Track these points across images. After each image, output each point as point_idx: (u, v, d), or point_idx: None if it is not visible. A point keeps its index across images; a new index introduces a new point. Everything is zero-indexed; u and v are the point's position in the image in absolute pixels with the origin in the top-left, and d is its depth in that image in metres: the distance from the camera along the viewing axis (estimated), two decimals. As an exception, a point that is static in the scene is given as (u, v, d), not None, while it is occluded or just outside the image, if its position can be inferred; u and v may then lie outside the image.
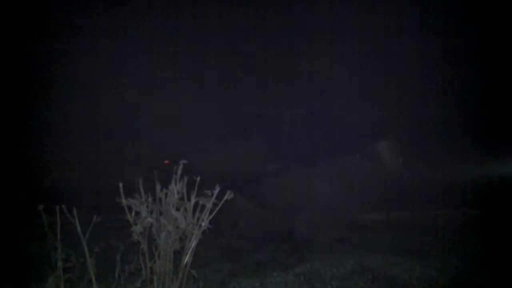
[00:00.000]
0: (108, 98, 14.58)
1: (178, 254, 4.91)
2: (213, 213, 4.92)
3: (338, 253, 7.11)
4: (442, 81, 15.01)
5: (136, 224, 4.72)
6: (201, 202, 4.89)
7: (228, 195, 4.89)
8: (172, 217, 4.77)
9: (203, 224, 4.84)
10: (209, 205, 4.89)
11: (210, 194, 4.93)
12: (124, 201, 4.72)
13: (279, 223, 9.07)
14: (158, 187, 4.90)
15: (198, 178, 4.97)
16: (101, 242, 5.69)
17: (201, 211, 4.92)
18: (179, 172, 4.88)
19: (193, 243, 4.87)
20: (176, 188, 4.84)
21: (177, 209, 4.89)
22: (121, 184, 4.78)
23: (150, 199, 4.82)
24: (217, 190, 4.89)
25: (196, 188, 4.95)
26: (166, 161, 12.02)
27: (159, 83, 14.82)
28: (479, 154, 14.24)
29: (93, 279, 4.75)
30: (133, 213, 4.75)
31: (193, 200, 4.89)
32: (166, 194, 4.90)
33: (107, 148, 14.20)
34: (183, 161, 4.91)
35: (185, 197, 4.95)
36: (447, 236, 8.58)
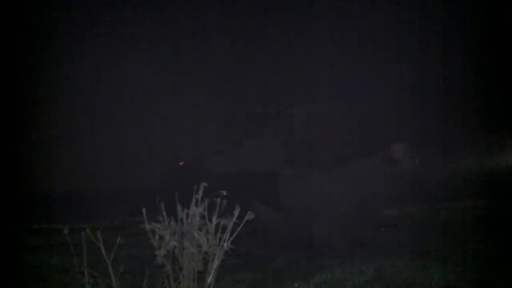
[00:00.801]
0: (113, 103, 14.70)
1: (201, 274, 5.01)
2: (235, 234, 5.00)
3: (358, 258, 7.17)
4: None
5: (160, 248, 4.82)
6: (222, 223, 4.97)
7: (249, 216, 4.97)
8: (195, 239, 4.85)
9: (225, 245, 4.92)
10: (230, 226, 4.97)
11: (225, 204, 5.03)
12: (147, 226, 4.81)
13: (299, 227, 9.15)
14: (179, 208, 4.99)
15: (219, 199, 5.05)
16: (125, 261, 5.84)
17: (223, 231, 5.00)
18: (200, 194, 4.95)
19: (216, 263, 4.96)
20: (198, 210, 4.92)
21: (200, 230, 4.97)
22: (144, 210, 4.86)
23: (172, 221, 4.90)
24: (237, 211, 4.96)
25: (217, 208, 5.04)
26: (181, 163, 12.14)
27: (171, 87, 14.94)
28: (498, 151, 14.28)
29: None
30: (156, 237, 4.84)
31: (214, 221, 4.96)
32: (187, 215, 4.98)
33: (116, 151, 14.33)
34: (203, 184, 4.98)
35: (207, 216, 5.04)
36: (469, 235, 8.58)
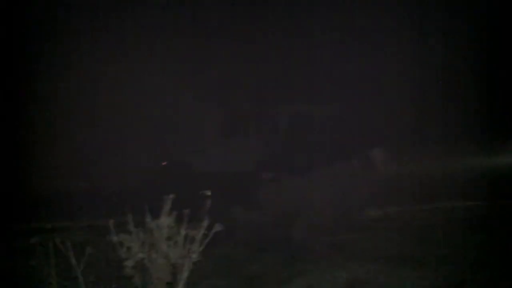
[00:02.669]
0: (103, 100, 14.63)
1: (171, 285, 5.01)
2: (203, 244, 5.01)
3: (334, 263, 7.19)
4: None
5: (128, 259, 4.81)
6: (190, 234, 4.97)
7: (217, 227, 4.98)
8: (163, 250, 4.85)
9: (193, 256, 4.92)
10: (199, 237, 4.97)
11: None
12: (115, 238, 4.80)
13: (277, 230, 9.16)
14: (148, 219, 4.98)
15: (187, 210, 5.06)
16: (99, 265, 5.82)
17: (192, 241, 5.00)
18: (168, 206, 4.94)
19: (185, 274, 4.96)
20: (166, 221, 4.91)
21: (169, 240, 4.97)
22: (111, 222, 4.84)
23: (141, 233, 4.90)
24: (205, 223, 4.97)
25: (186, 220, 5.04)
26: (164, 163, 12.09)
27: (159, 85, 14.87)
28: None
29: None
30: (124, 249, 4.83)
31: (183, 232, 4.96)
32: (157, 226, 4.98)
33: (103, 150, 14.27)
34: (171, 196, 4.98)
35: (177, 226, 5.04)
36: (448, 238, 8.63)
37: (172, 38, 16.00)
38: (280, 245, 8.50)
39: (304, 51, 15.97)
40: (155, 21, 15.69)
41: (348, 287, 6.34)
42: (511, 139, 14.98)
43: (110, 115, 15.28)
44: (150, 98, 14.98)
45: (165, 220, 4.98)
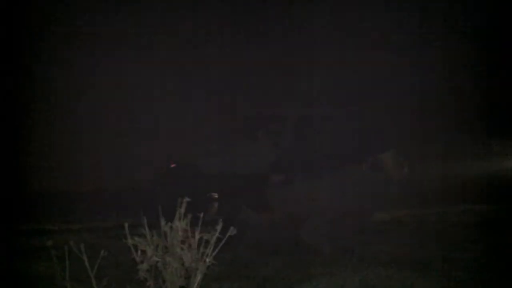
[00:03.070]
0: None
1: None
2: (217, 248, 4.99)
3: (345, 267, 7.18)
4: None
5: (142, 262, 4.80)
6: (205, 238, 4.95)
7: (231, 231, 4.96)
8: (177, 254, 4.84)
9: (207, 260, 4.91)
10: (213, 240, 4.95)
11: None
12: (129, 241, 4.80)
13: (288, 233, 9.15)
14: (162, 222, 4.97)
15: (201, 213, 5.04)
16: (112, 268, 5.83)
17: (206, 245, 4.99)
18: (182, 209, 4.93)
19: (198, 278, 4.95)
20: (180, 225, 4.90)
21: (183, 243, 4.96)
22: (126, 224, 4.84)
23: (155, 236, 4.89)
24: (219, 226, 4.96)
25: (200, 223, 5.03)
26: (173, 164, 12.08)
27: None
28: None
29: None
30: (139, 252, 4.82)
31: (197, 236, 4.95)
32: (171, 228, 4.97)
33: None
34: (186, 199, 4.97)
35: (191, 229, 5.03)
36: (461, 242, 8.61)
37: (177, 37, 16.02)
38: (291, 248, 8.51)
39: (313, 53, 15.97)
40: (156, 21, 15.72)
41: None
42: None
43: (118, 116, 15.32)
44: (159, 100, 15.02)
45: (179, 223, 4.97)
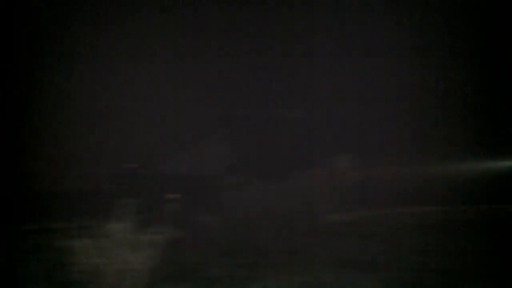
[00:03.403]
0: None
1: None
2: (168, 249, 5.06)
3: (294, 267, 7.31)
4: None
5: (83, 264, 4.83)
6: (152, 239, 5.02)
7: (176, 232, 5.04)
8: (120, 255, 4.88)
9: (151, 261, 4.97)
10: (158, 242, 5.02)
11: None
12: (71, 242, 4.82)
13: (241, 233, 9.23)
14: (107, 225, 5.01)
15: (148, 215, 5.10)
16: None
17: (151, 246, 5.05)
18: (127, 210, 4.98)
19: (142, 279, 5.01)
20: (124, 226, 4.95)
21: (127, 244, 5.01)
22: (71, 226, 4.87)
23: (98, 238, 4.92)
24: (167, 228, 5.03)
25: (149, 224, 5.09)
26: (131, 164, 12.05)
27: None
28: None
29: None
30: (80, 253, 4.85)
31: (144, 237, 5.01)
32: (114, 232, 5.01)
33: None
34: (131, 200, 5.02)
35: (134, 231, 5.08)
36: (409, 243, 8.82)
37: (140, 37, 15.90)
38: (243, 249, 8.58)
39: (280, 57, 16.03)
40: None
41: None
42: (478, 145, 15.32)
43: (73, 116, 15.11)
44: (116, 101, 14.86)
45: (123, 225, 5.02)
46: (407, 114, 15.91)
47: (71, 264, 5.11)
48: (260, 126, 10.83)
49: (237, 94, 14.42)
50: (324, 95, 14.65)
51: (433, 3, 16.55)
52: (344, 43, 16.10)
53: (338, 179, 10.69)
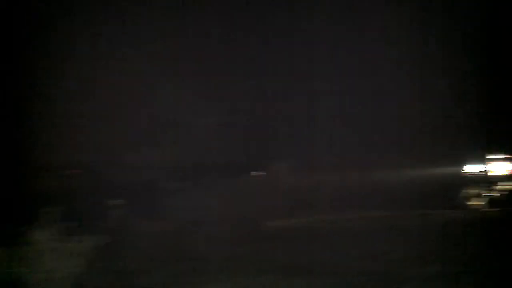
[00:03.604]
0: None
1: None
2: (93, 256, 4.93)
3: (232, 273, 7.28)
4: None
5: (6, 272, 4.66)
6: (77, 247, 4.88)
7: (106, 239, 4.92)
8: (46, 263, 4.73)
9: (78, 269, 4.84)
10: (87, 249, 4.89)
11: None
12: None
13: (180, 240, 9.13)
14: (33, 231, 4.85)
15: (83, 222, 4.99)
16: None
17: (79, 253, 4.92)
18: (53, 217, 4.84)
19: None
20: (51, 232, 4.80)
21: (53, 252, 4.87)
22: None
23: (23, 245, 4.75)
24: (98, 235, 4.91)
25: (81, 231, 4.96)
26: (74, 170, 11.74)
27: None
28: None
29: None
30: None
31: (70, 245, 4.87)
32: (44, 239, 4.86)
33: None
34: (59, 207, 4.88)
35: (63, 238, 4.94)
36: (346, 248, 8.93)
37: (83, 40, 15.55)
38: (180, 256, 8.47)
39: (217, 64, 15.98)
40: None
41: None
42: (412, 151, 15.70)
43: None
44: (57, 104, 14.46)
45: (53, 232, 4.87)
46: (348, 120, 16.17)
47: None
48: (202, 132, 10.78)
49: (179, 101, 14.30)
50: (266, 102, 14.71)
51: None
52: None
53: (279, 185, 10.76)
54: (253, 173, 10.69)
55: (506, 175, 13.81)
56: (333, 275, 7.28)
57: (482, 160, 14.02)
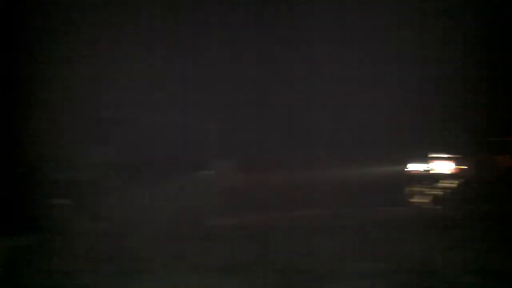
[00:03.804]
0: None
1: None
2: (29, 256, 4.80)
3: (171, 273, 7.23)
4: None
5: None
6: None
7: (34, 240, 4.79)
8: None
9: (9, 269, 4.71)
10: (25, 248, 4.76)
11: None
12: None
13: (120, 239, 9.00)
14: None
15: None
16: None
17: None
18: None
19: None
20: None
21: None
22: None
23: None
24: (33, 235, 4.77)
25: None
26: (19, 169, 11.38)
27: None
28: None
29: None
30: None
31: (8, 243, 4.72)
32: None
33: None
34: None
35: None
36: (292, 247, 9.01)
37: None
38: (121, 255, 8.35)
39: (169, 61, 15.87)
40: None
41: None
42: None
43: None
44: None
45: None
46: (293, 118, 16.33)
47: None
48: (144, 129, 10.63)
49: (121, 97, 14.13)
50: (214, 101, 14.71)
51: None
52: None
53: (223, 183, 10.75)
54: (200, 172, 10.64)
55: (448, 173, 14.17)
56: (272, 272, 7.32)
57: (425, 159, 14.36)
